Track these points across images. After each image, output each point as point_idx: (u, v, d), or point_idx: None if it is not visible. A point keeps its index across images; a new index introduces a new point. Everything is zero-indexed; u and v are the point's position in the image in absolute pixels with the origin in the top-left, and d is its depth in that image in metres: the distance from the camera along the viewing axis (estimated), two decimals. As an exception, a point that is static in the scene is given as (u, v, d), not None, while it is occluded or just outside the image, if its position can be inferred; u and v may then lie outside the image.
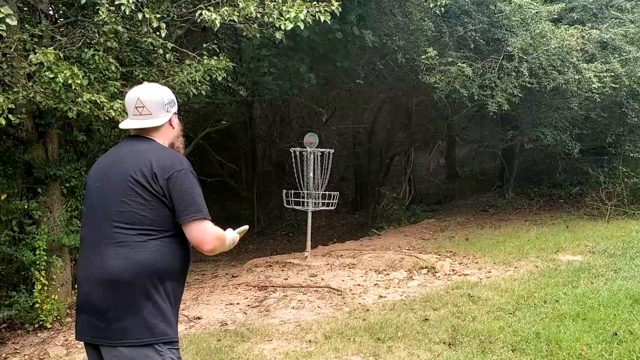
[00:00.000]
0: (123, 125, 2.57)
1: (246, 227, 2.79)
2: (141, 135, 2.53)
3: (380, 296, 6.53)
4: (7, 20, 4.71)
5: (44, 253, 6.18)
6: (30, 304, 6.15)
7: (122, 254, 2.29)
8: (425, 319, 5.26)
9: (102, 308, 2.28)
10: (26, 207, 6.35)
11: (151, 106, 2.49)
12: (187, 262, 2.50)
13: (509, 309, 5.38)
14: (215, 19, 5.59)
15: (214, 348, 4.90)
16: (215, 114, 13.59)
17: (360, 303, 6.23)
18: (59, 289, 6.56)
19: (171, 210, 2.36)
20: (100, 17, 5.38)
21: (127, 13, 5.23)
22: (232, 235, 2.61)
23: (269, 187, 18.07)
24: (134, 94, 2.51)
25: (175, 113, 2.64)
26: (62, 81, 5.02)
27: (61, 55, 5.27)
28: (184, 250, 2.45)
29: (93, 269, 2.35)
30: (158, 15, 5.76)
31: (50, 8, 7.20)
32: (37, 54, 5.09)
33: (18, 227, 6.46)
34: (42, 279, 6.18)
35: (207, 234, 2.38)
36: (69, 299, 6.83)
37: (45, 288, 6.25)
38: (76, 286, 2.47)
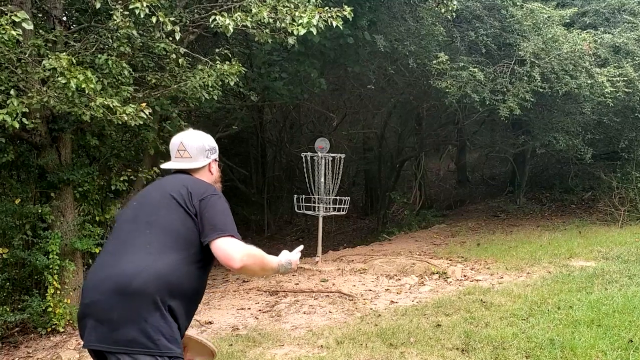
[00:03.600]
0: (165, 165, 2.72)
1: (301, 247, 2.80)
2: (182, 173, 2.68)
3: (392, 301, 6.51)
4: (24, 24, 4.75)
5: (57, 257, 6.20)
6: (43, 308, 6.17)
7: (142, 260, 2.30)
8: (438, 325, 5.24)
9: (108, 312, 2.24)
10: (39, 211, 6.38)
11: (192, 150, 2.66)
12: (202, 285, 2.49)
13: (522, 315, 5.35)
14: (229, 24, 5.62)
15: (226, 353, 4.90)
16: (226, 119, 13.63)
17: (371, 308, 6.22)
18: (71, 293, 6.58)
19: (199, 231, 2.40)
20: (115, 22, 5.41)
21: (142, 17, 5.26)
22: (284, 258, 2.60)
23: (279, 192, 18.09)
24: (177, 139, 2.69)
25: (216, 160, 2.77)
26: (74, 86, 5.05)
27: (74, 61, 5.30)
28: (202, 274, 2.45)
29: (107, 272, 2.33)
30: (172, 19, 5.79)
31: (64, 14, 7.26)
32: (51, 59, 5.13)
33: (31, 232, 6.50)
34: (54, 283, 6.21)
35: (234, 249, 2.36)
36: (80, 303, 6.85)
37: (58, 292, 6.27)
38: (81, 292, 2.41)
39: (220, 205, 2.48)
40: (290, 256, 2.63)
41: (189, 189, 2.47)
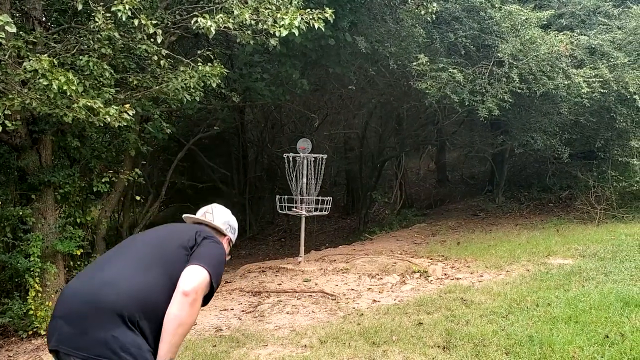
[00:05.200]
0: (200, 218, 2.85)
1: None
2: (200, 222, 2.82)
3: (374, 300, 6.57)
4: (7, 27, 4.72)
5: (38, 259, 6.18)
6: (24, 310, 6.14)
7: (122, 273, 2.34)
8: (419, 323, 5.31)
9: (77, 316, 2.23)
10: (20, 213, 6.34)
11: (217, 216, 2.84)
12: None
13: (502, 313, 5.44)
14: (211, 25, 5.63)
15: (210, 354, 4.92)
16: (207, 120, 13.62)
17: (354, 307, 6.27)
18: (53, 296, 6.54)
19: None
20: (97, 24, 5.39)
21: (124, 20, 5.26)
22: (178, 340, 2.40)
23: (260, 193, 18.08)
24: (208, 206, 2.90)
25: (231, 241, 2.92)
26: (56, 88, 5.03)
27: (55, 62, 5.28)
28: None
29: (88, 278, 2.36)
30: (154, 22, 5.79)
31: (43, 15, 7.21)
32: (32, 61, 5.10)
33: (12, 234, 6.45)
34: (36, 285, 6.17)
35: (194, 279, 2.36)
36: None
37: (39, 295, 6.24)
38: (63, 290, 2.42)
39: (216, 249, 2.58)
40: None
41: (199, 230, 2.62)
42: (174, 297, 2.31)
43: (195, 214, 2.88)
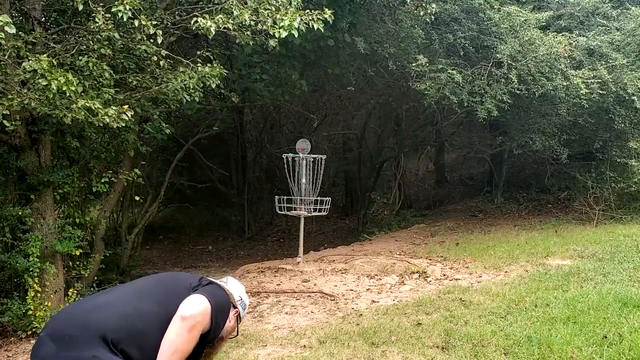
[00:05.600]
0: None
1: None
2: None
3: (373, 301, 6.58)
4: (6, 28, 4.73)
5: (37, 260, 6.18)
6: (23, 310, 6.14)
7: (115, 298, 2.36)
8: (418, 324, 5.31)
9: (63, 332, 2.22)
10: (19, 213, 6.34)
11: (231, 286, 2.70)
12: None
13: (501, 313, 5.45)
14: (211, 26, 5.64)
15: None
16: (206, 120, 13.61)
17: (353, 308, 6.28)
18: (52, 296, 6.55)
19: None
20: (97, 24, 5.40)
21: (125, 20, 5.27)
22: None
23: (259, 193, 18.08)
24: (223, 278, 2.78)
25: (239, 316, 2.75)
26: (56, 88, 5.04)
27: (55, 63, 5.28)
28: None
29: (92, 300, 2.41)
30: (154, 22, 5.79)
31: (42, 15, 7.20)
32: (31, 61, 5.10)
33: (11, 234, 6.45)
34: (35, 285, 6.17)
35: (196, 305, 2.36)
36: (62, 305, 6.81)
37: (38, 295, 6.24)
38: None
39: (220, 293, 2.56)
40: None
41: (203, 277, 2.58)
42: (172, 322, 2.29)
43: None
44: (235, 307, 2.69)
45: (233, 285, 2.75)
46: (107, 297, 2.38)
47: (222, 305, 2.51)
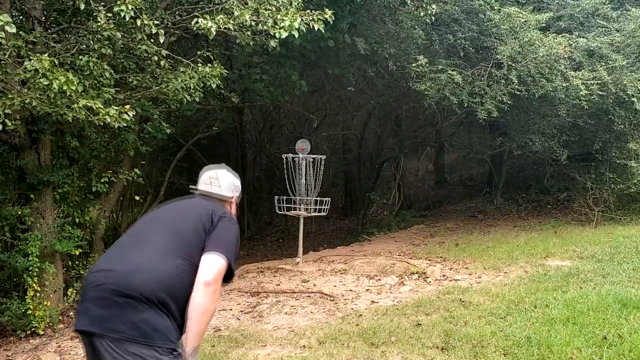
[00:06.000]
0: (204, 188, 2.93)
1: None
2: (208, 195, 2.91)
3: (373, 301, 6.58)
4: (7, 27, 4.72)
5: (37, 259, 6.16)
6: (23, 310, 6.12)
7: (148, 260, 2.47)
8: (418, 324, 5.32)
9: (109, 299, 2.36)
10: (19, 213, 6.33)
11: (223, 182, 2.94)
12: None
13: (500, 314, 5.45)
14: (211, 26, 5.64)
15: (209, 354, 4.92)
16: (206, 120, 13.61)
17: (352, 308, 6.28)
18: (51, 296, 6.54)
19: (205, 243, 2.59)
20: (99, 24, 5.40)
21: (127, 19, 5.26)
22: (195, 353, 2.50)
23: (259, 193, 18.08)
24: (212, 171, 2.98)
25: (237, 200, 3.03)
26: (57, 87, 5.03)
27: (56, 62, 5.28)
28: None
29: (114, 263, 2.49)
30: (156, 22, 5.79)
31: (43, 15, 7.20)
32: (32, 60, 5.10)
33: (10, 233, 6.44)
34: (34, 285, 6.16)
35: (213, 267, 2.50)
36: (61, 305, 6.81)
37: (38, 294, 6.23)
38: (87, 274, 2.54)
39: (231, 229, 2.69)
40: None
41: (213, 210, 2.71)
42: (196, 288, 2.44)
43: (199, 181, 2.95)
44: (236, 194, 2.98)
45: (225, 181, 2.95)
46: (137, 259, 2.48)
47: (235, 244, 2.68)
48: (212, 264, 2.50)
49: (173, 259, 2.48)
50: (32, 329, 6.19)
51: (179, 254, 2.51)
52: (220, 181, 2.94)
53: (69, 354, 5.54)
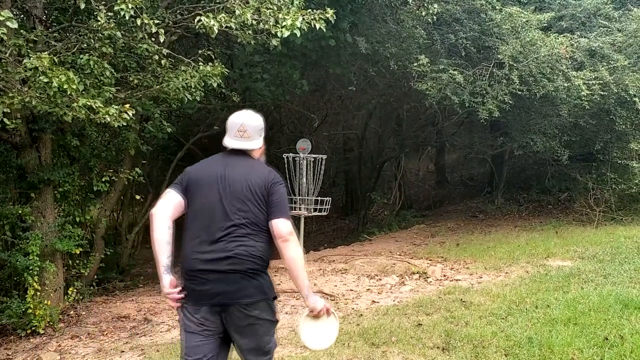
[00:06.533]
0: (228, 143, 3.14)
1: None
2: (240, 151, 3.16)
3: (373, 301, 6.57)
4: (8, 23, 4.71)
5: (37, 258, 6.14)
6: (23, 309, 6.11)
7: (242, 243, 2.94)
8: (419, 324, 5.31)
9: (228, 276, 2.88)
10: (19, 212, 6.32)
11: (251, 131, 3.14)
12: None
13: (501, 314, 5.44)
14: (214, 25, 5.63)
15: (209, 353, 4.90)
16: (207, 119, 13.58)
17: (353, 308, 6.27)
18: (51, 295, 6.53)
19: (267, 212, 3.02)
20: (99, 23, 5.39)
21: (127, 18, 5.25)
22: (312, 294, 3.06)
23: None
24: (238, 119, 3.15)
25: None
26: (57, 86, 5.02)
27: (56, 60, 5.27)
28: (272, 242, 3.04)
29: (212, 254, 2.91)
30: (157, 21, 5.78)
31: (44, 13, 7.19)
32: (32, 58, 5.08)
33: (11, 232, 6.43)
34: (35, 284, 6.14)
35: (286, 227, 2.97)
36: (61, 304, 6.80)
37: (38, 293, 6.21)
38: (184, 263, 2.96)
39: (283, 192, 3.11)
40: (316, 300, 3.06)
41: (264, 179, 3.07)
42: (281, 247, 2.96)
43: (228, 130, 3.13)
44: (263, 135, 3.24)
45: (253, 127, 3.15)
46: (228, 240, 2.92)
47: (287, 202, 3.14)
48: (283, 226, 2.96)
49: (260, 237, 3.01)
50: (33, 328, 6.18)
51: (261, 232, 3.01)
52: (249, 131, 3.14)
53: (69, 353, 5.53)
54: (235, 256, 2.91)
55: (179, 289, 2.95)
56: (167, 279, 2.91)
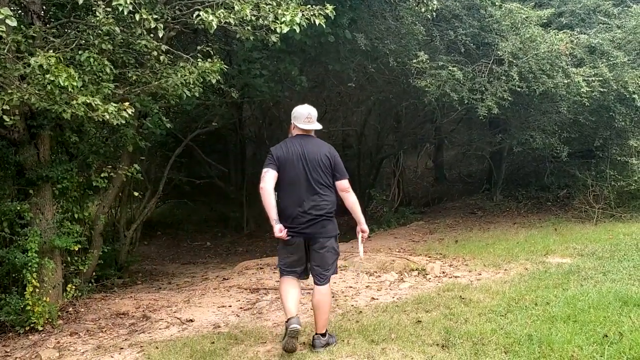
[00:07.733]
0: (303, 126, 4.76)
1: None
2: (307, 133, 4.80)
3: (373, 298, 6.57)
4: (7, 21, 4.68)
5: (36, 255, 6.12)
6: (22, 306, 6.09)
7: (326, 198, 4.67)
8: (418, 321, 5.31)
9: (316, 220, 4.61)
10: (18, 208, 6.30)
11: (314, 117, 4.81)
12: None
13: (501, 311, 5.44)
14: (212, 20, 5.61)
15: (208, 350, 4.91)
16: (205, 116, 13.57)
17: (352, 305, 6.27)
18: (50, 291, 6.52)
19: (333, 174, 4.69)
20: (98, 19, 5.36)
21: (126, 14, 5.23)
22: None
23: (258, 189, 18.00)
24: (305, 110, 4.79)
25: None
26: (61, 84, 5.00)
27: (62, 58, 5.25)
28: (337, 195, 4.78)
29: (310, 203, 4.59)
30: (156, 17, 5.76)
31: (42, 9, 7.14)
32: (39, 56, 5.04)
33: (9, 229, 6.41)
34: (33, 281, 6.13)
35: (347, 184, 4.74)
36: (60, 301, 6.79)
37: (37, 290, 6.19)
38: (287, 211, 4.62)
39: (340, 160, 4.75)
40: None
41: (328, 153, 4.70)
42: (345, 196, 4.73)
43: (297, 117, 4.79)
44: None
45: (315, 116, 4.89)
46: (320, 196, 4.66)
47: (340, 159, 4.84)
48: (346, 183, 4.71)
49: (332, 191, 4.73)
50: (31, 325, 6.16)
51: (331, 188, 4.72)
52: (313, 117, 4.78)
53: (68, 349, 5.52)
54: (319, 205, 4.57)
55: (285, 230, 4.51)
56: (278, 226, 4.47)
